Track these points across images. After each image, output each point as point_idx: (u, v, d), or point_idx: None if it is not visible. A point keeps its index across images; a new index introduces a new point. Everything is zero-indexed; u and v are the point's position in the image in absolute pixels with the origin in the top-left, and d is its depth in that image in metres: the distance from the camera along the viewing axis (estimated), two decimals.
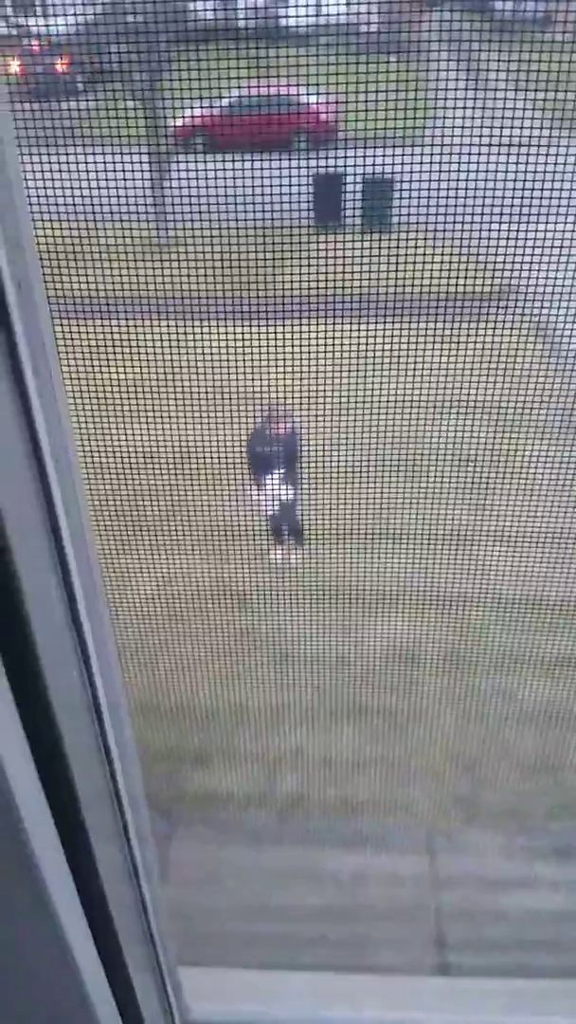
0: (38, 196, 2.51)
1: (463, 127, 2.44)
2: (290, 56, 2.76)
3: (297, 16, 3.21)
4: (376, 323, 2.61)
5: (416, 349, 2.64)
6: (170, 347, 2.85)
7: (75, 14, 3.32)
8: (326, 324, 2.64)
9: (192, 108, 3.45)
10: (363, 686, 3.76)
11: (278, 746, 3.99)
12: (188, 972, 1.78)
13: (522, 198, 2.37)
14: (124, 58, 3.07)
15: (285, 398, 2.93)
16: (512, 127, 2.41)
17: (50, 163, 2.48)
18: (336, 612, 3.52)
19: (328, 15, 3.28)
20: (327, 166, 3.07)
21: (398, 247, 2.54)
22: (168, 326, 2.87)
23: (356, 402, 2.75)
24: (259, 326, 2.65)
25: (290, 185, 2.51)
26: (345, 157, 2.69)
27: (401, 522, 3.27)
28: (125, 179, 2.58)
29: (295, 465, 4.00)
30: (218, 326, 2.74)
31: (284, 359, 2.64)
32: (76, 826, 0.71)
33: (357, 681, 3.75)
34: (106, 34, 3.16)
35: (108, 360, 2.80)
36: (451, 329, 2.66)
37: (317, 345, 2.62)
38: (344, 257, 2.54)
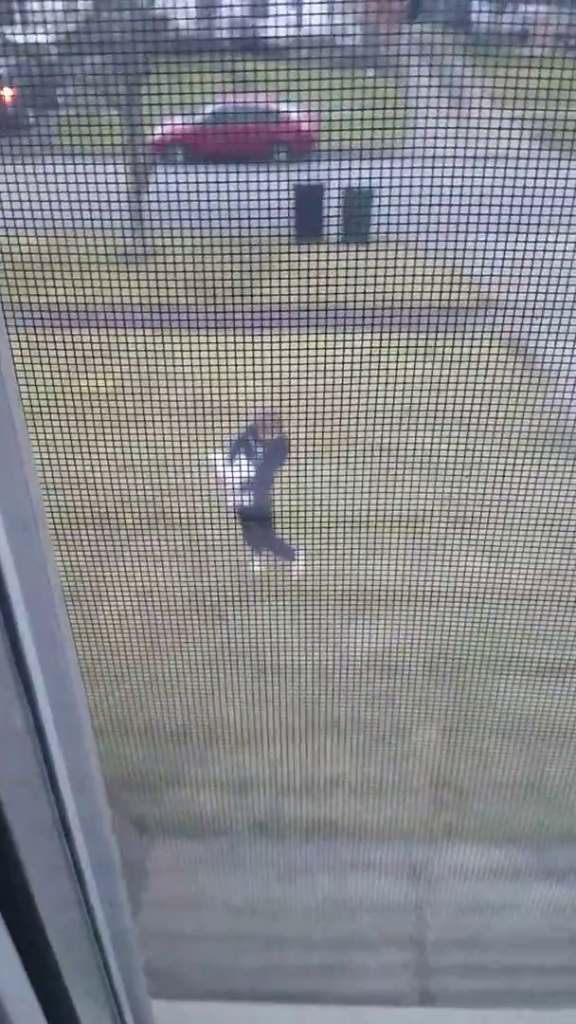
0: (13, 208, 2.48)
1: (443, 139, 2.42)
2: (270, 69, 2.75)
3: (277, 29, 3.20)
4: (356, 334, 2.59)
5: (396, 361, 2.61)
6: (148, 358, 2.82)
7: (55, 24, 3.30)
8: (306, 335, 2.62)
9: (171, 121, 3.44)
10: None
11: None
12: (168, 1006, 1.71)
13: (500, 210, 2.35)
14: (102, 71, 3.06)
15: (266, 408, 2.90)
16: (491, 139, 2.40)
17: (27, 175, 2.45)
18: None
19: (308, 28, 3.28)
20: (307, 179, 3.06)
21: (377, 258, 2.52)
22: (146, 337, 2.85)
23: (337, 414, 2.72)
24: (238, 337, 2.63)
25: (267, 197, 2.48)
26: (321, 169, 2.66)
27: (387, 537, 3.24)
28: (103, 191, 2.55)
29: (273, 473, 3.99)
30: (197, 336, 2.71)
31: (263, 370, 2.62)
32: (24, 900, 0.64)
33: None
34: (85, 44, 3.15)
35: (84, 371, 2.77)
36: (432, 341, 2.64)
37: (297, 356, 2.60)
38: (324, 268, 2.52)
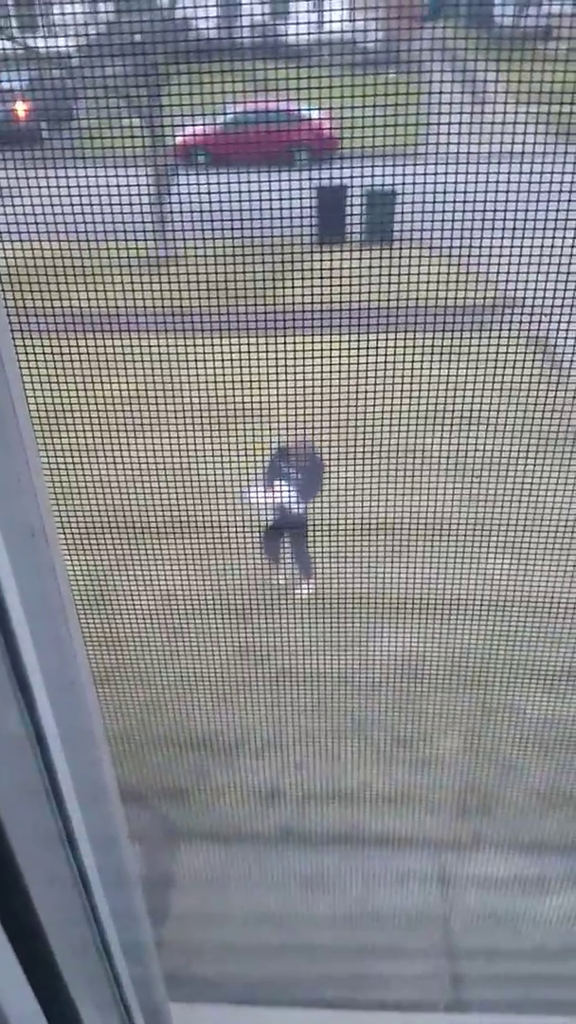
0: (34, 215, 2.49)
1: (464, 138, 2.40)
2: (290, 71, 2.74)
3: (297, 32, 3.20)
4: (378, 336, 2.57)
5: (418, 362, 2.59)
6: (171, 362, 2.83)
7: (75, 34, 3.32)
8: (329, 337, 2.61)
9: (191, 125, 3.44)
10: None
11: None
12: (182, 1008, 1.70)
13: (523, 210, 2.33)
14: (123, 77, 3.07)
15: (288, 412, 2.89)
16: (512, 139, 2.38)
17: (50, 181, 2.47)
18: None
19: (328, 31, 3.28)
20: (327, 178, 3.04)
21: (399, 259, 2.50)
22: (169, 341, 2.85)
23: (358, 416, 2.70)
24: (261, 340, 2.62)
25: (289, 200, 2.48)
26: (342, 169, 2.65)
27: (404, 544, 3.21)
28: (125, 196, 2.56)
29: (309, 496, 3.95)
30: (218, 341, 2.71)
31: (286, 373, 2.61)
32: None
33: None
34: (106, 53, 3.16)
35: (109, 376, 2.78)
36: (453, 341, 2.62)
37: (320, 359, 2.59)
38: (347, 270, 2.50)
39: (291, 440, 3.87)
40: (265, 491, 3.95)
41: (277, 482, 3.96)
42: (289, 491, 3.96)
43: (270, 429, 3.72)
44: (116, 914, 0.89)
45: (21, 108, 3.36)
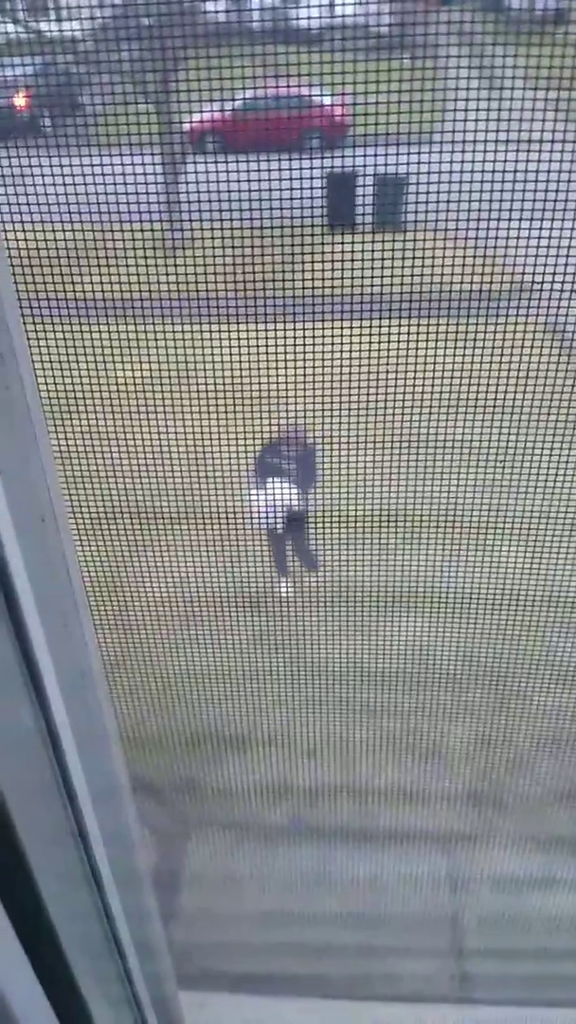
0: (46, 199, 2.47)
1: (476, 124, 2.37)
2: (301, 56, 2.71)
3: (309, 16, 3.16)
4: (390, 322, 2.54)
5: (429, 348, 2.56)
6: (182, 348, 2.81)
7: (87, 17, 3.29)
8: (340, 324, 2.58)
9: (204, 110, 3.42)
10: None
11: None
12: (192, 997, 1.69)
13: (539, 194, 2.29)
14: (135, 61, 3.04)
15: (298, 399, 2.86)
16: (526, 124, 2.35)
17: (63, 166, 2.45)
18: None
19: (340, 15, 3.24)
20: (339, 164, 3.01)
21: (412, 245, 2.47)
22: (180, 328, 2.84)
23: (369, 402, 2.68)
24: (272, 326, 2.60)
25: (299, 184, 2.45)
26: (355, 152, 2.62)
27: (409, 532, 3.19)
28: (138, 181, 2.54)
29: (307, 487, 3.91)
30: (231, 327, 2.69)
31: (297, 359, 2.59)
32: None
33: None
34: (115, 37, 3.13)
35: (119, 361, 2.76)
36: (465, 327, 2.59)
37: (331, 345, 2.56)
38: (357, 256, 2.47)
39: (281, 432, 3.81)
40: (264, 494, 3.89)
41: (271, 480, 3.90)
42: (286, 487, 3.91)
43: (279, 416, 3.69)
44: (127, 910, 0.87)
45: (22, 98, 3.34)
